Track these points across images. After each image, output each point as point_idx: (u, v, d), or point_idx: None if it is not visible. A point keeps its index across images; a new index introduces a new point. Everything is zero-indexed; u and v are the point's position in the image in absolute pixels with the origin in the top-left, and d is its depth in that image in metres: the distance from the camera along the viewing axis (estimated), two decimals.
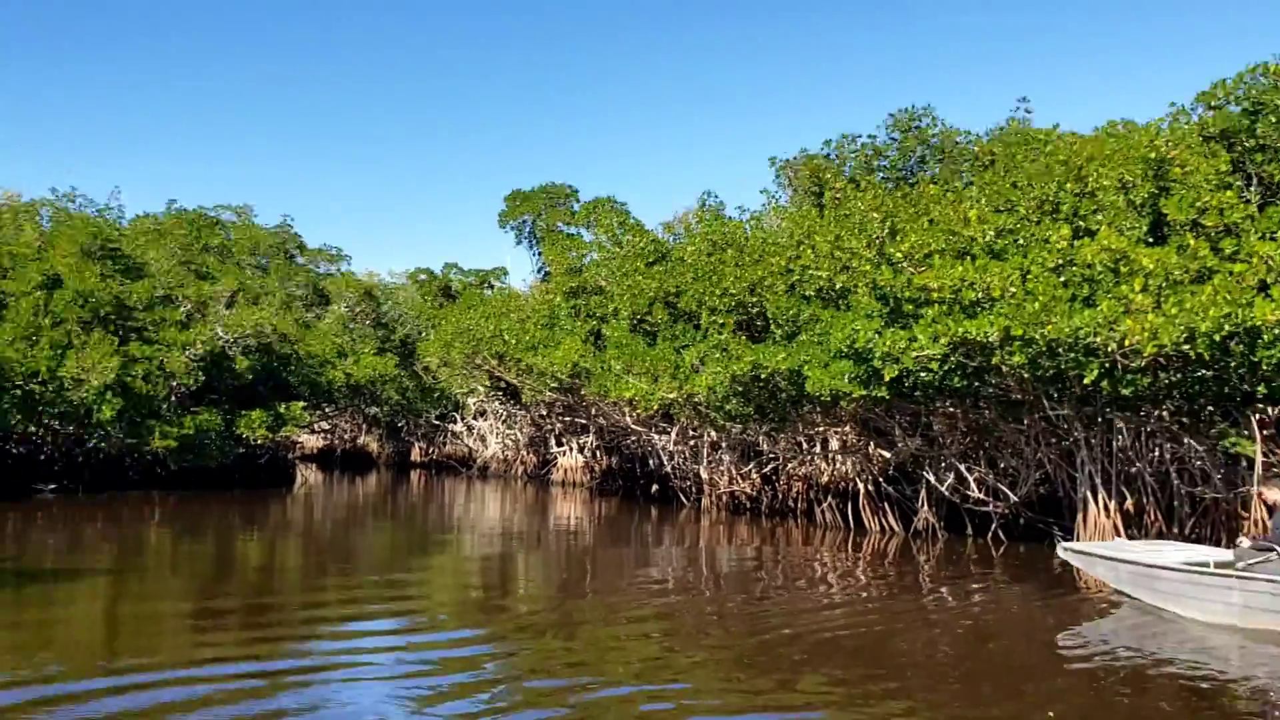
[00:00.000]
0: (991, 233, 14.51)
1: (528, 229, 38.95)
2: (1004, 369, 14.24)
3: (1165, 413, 14.98)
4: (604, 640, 9.83)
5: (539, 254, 39.91)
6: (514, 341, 24.62)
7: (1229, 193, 13.35)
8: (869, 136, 23.74)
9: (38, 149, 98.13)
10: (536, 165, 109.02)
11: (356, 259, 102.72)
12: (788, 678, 8.31)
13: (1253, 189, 14.12)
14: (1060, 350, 12.92)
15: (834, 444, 21.15)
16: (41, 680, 7.85)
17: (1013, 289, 13.11)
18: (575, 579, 14.15)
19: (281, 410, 26.76)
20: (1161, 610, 10.60)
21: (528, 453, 36.54)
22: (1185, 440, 14.92)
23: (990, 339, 13.25)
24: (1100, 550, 11.88)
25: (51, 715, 7.00)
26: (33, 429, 22.58)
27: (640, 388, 19.73)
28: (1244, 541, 10.67)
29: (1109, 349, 12.48)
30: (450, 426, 40.84)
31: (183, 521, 19.98)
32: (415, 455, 43.93)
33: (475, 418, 39.54)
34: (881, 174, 22.86)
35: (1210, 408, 14.32)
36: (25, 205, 31.21)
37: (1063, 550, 12.35)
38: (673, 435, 23.11)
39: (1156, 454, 15.37)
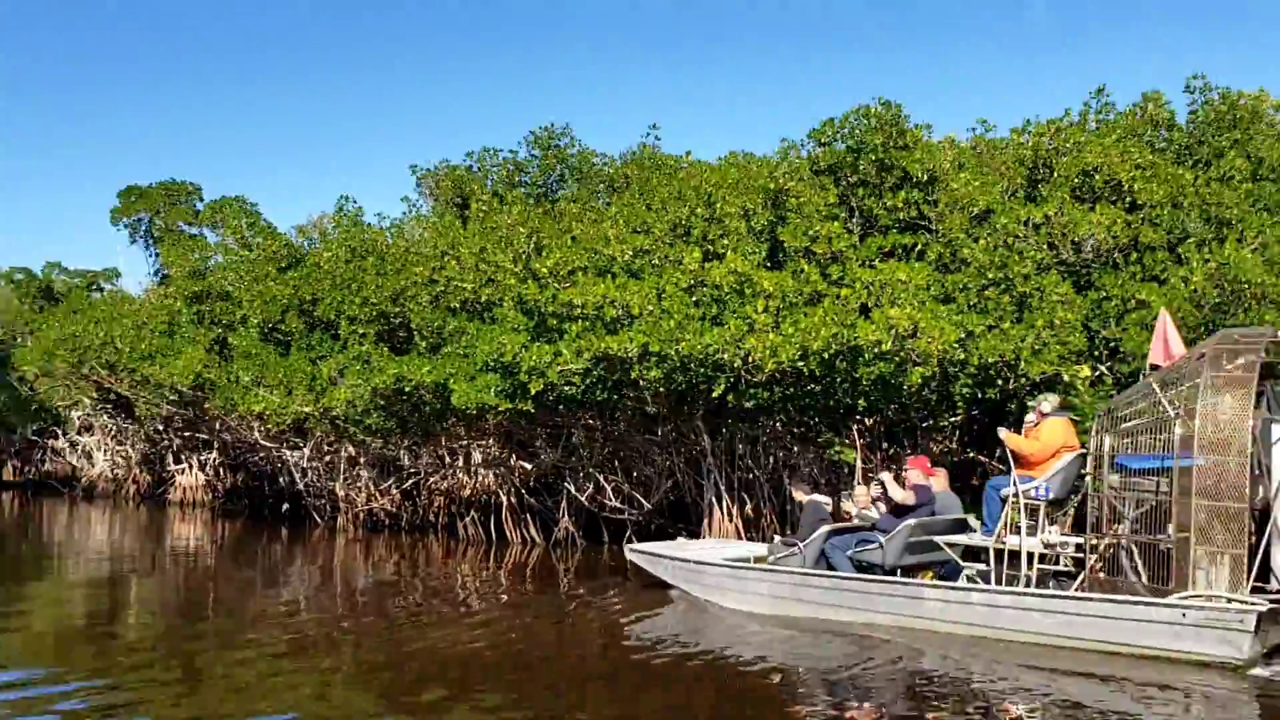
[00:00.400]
0: (630, 252, 15.12)
1: (144, 228, 36.09)
2: (641, 383, 14.88)
3: (779, 424, 16.26)
4: (219, 668, 9.40)
5: (156, 255, 37.07)
6: (128, 350, 22.65)
7: (836, 224, 14.71)
8: (510, 151, 24.11)
9: None
10: (155, 161, 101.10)
11: None
12: (411, 695, 8.34)
13: (855, 220, 15.63)
14: (692, 365, 13.68)
15: (477, 457, 21.18)
16: None
17: (650, 307, 13.72)
18: (194, 605, 13.37)
19: None
20: (708, 602, 12.02)
21: (141, 471, 33.68)
22: (795, 449, 16.26)
23: (630, 354, 13.79)
24: (659, 550, 13.20)
25: None
26: None
27: (272, 401, 18.82)
28: (777, 539, 12.22)
29: (735, 365, 13.37)
30: (51, 442, 36.93)
31: None
32: (8, 474, 39.41)
33: (80, 433, 35.97)
34: (524, 189, 23.22)
35: (818, 419, 15.69)
36: None
37: (629, 552, 13.63)
38: (306, 451, 22.19)
39: (771, 462, 16.61)
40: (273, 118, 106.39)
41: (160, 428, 29.57)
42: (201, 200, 35.71)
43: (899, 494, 11.12)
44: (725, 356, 13.28)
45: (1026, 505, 10.08)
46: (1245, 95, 16.40)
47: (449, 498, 21.42)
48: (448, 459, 21.33)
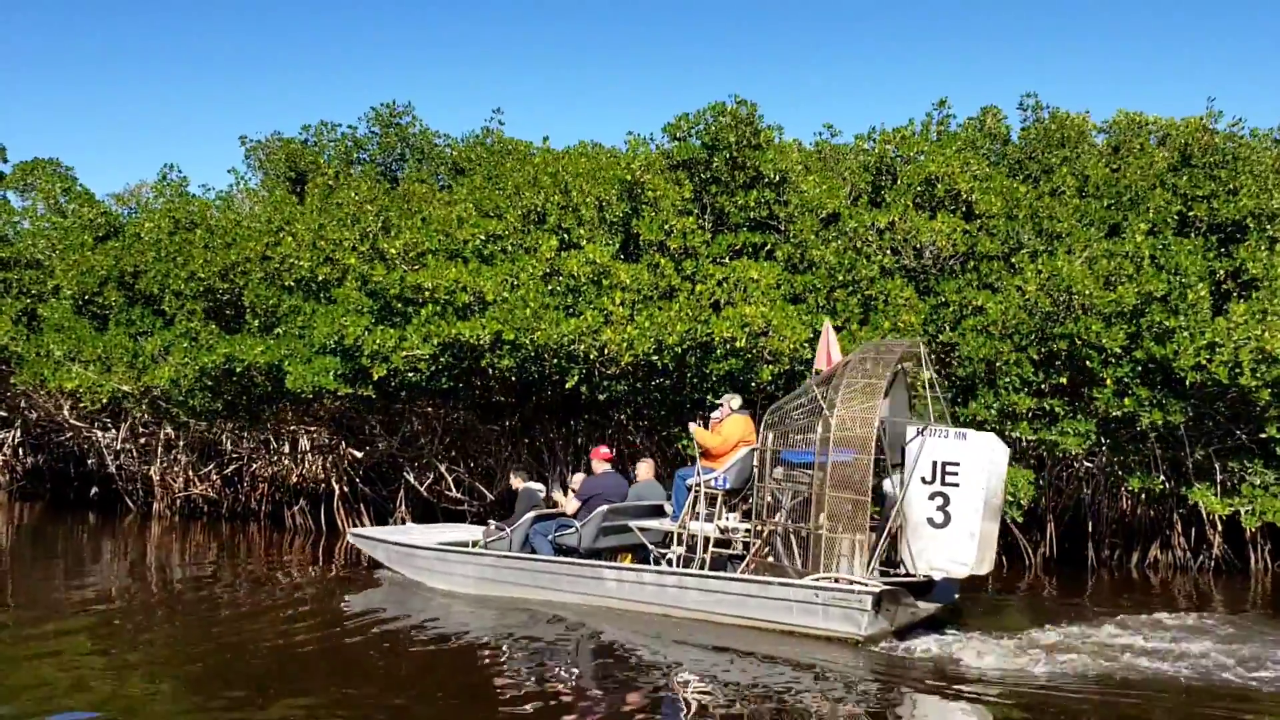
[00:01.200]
0: (482, 237, 14.81)
1: None
2: (491, 371, 14.60)
3: (625, 416, 16.27)
4: (16, 662, 8.84)
5: None
6: None
7: (690, 219, 14.78)
8: (350, 127, 23.36)
9: None
10: None
11: None
12: (213, 690, 8.04)
13: (707, 216, 15.74)
14: (546, 355, 13.50)
15: (304, 443, 20.42)
16: None
17: (505, 294, 13.47)
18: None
19: None
20: (420, 583, 12.68)
21: None
22: (640, 441, 16.29)
23: (482, 342, 13.51)
24: (377, 534, 13.79)
25: None
26: None
27: (88, 377, 17.62)
28: (491, 524, 12.86)
29: (590, 356, 13.26)
30: None
31: None
32: None
33: None
34: (360, 168, 22.52)
35: (664, 412, 15.76)
36: None
37: (351, 536, 14.14)
38: (120, 432, 20.92)
39: (615, 453, 16.59)
40: (89, 78, 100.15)
41: None
42: (6, 161, 33.20)
43: (570, 505, 12.13)
44: (581, 348, 13.16)
45: (706, 494, 11.08)
46: (1071, 117, 17.34)
47: (274, 485, 20.60)
48: (274, 444, 20.50)
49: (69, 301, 19.62)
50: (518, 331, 13.34)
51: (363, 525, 17.92)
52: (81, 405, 18.89)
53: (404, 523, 16.86)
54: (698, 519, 11.09)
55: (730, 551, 11.04)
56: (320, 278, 16.67)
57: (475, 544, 12.64)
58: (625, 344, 12.87)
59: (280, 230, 17.55)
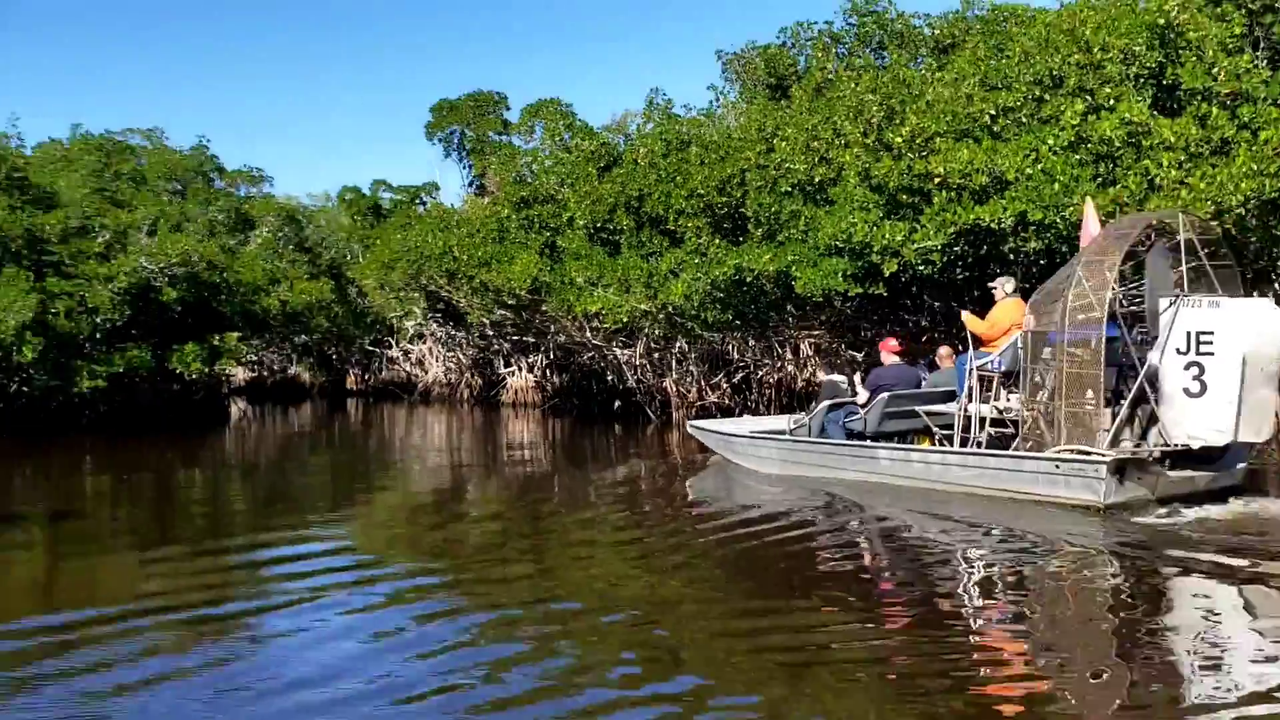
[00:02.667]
0: (991, 112, 13.63)
1: (457, 140, 37.26)
2: (1014, 258, 13.52)
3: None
4: (570, 562, 9.30)
5: (470, 166, 38.29)
6: (465, 258, 23.28)
7: (1244, 57, 12.61)
8: (825, 23, 22.75)
9: None
10: (462, 74, 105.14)
11: (279, 181, 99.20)
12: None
13: (1260, 52, 13.39)
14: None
15: (805, 348, 20.46)
16: None
17: (1028, 170, 12.29)
18: (538, 500, 13.41)
19: (215, 343, 25.22)
20: (739, 466, 14.15)
21: (472, 375, 35.28)
22: None
23: (1004, 225, 12.48)
24: (707, 425, 15.43)
25: None
26: None
27: (609, 300, 18.70)
28: (801, 414, 14.03)
29: None
30: (385, 352, 39.34)
31: (118, 464, 18.61)
32: (350, 383, 42.42)
33: (412, 342, 38.05)
34: (839, 62, 21.86)
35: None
36: None
37: (689, 427, 15.69)
38: (637, 349, 22.17)
39: None
40: (571, 21, 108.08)
41: (490, 333, 30.66)
42: (508, 109, 36.46)
43: (861, 395, 12.90)
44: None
45: (983, 377, 11.36)
46: None
47: (779, 390, 20.89)
48: (777, 351, 20.74)
49: (582, 231, 20.95)
50: (1045, 210, 12.13)
51: None
52: (603, 326, 20.16)
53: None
54: (974, 401, 11.41)
55: (1008, 431, 11.23)
56: (816, 179, 16.36)
57: (788, 431, 13.71)
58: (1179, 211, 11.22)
59: (774, 136, 17.44)
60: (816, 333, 19.02)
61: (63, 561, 10.17)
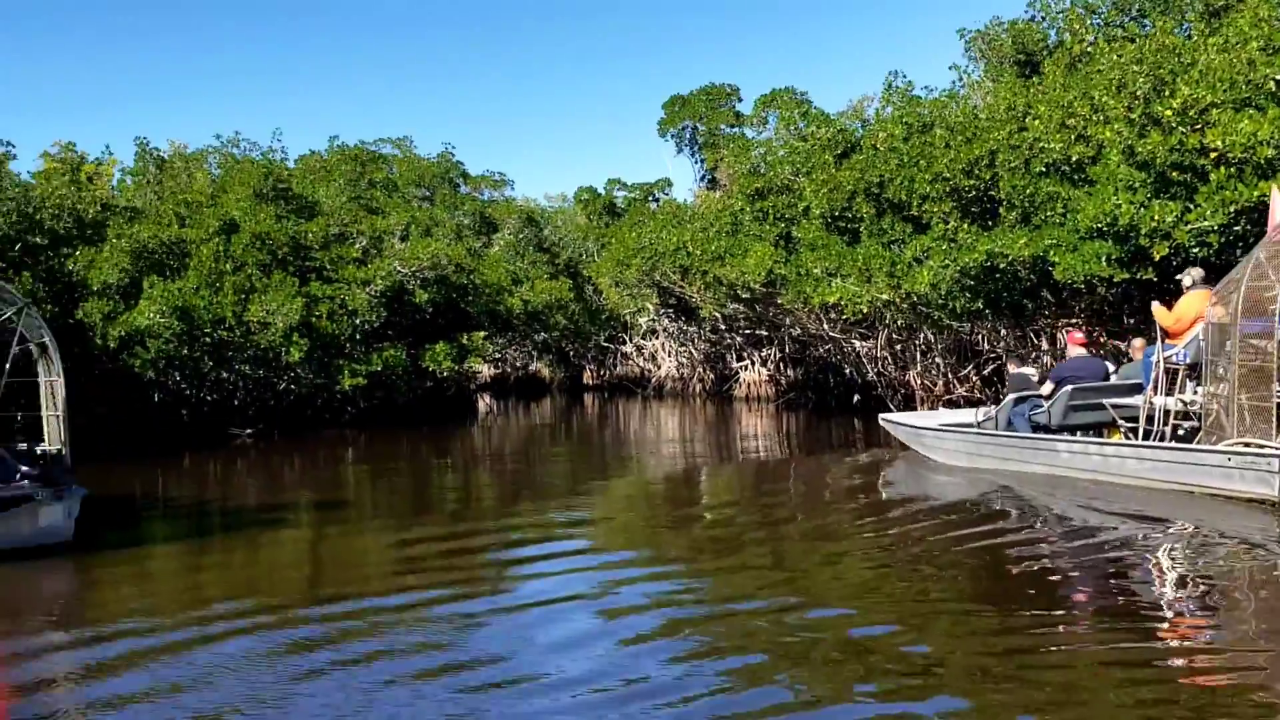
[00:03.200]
0: (1277, 78, 12.35)
1: (689, 135, 37.36)
2: None
3: None
4: (812, 561, 9.06)
5: (701, 161, 38.35)
6: (698, 253, 23.23)
7: None
8: None
9: (198, 98, 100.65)
10: (694, 68, 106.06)
11: (518, 184, 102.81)
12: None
13: None
14: None
15: (1062, 338, 19.27)
16: (252, 611, 7.74)
17: None
18: (773, 497, 13.17)
19: (464, 341, 26.21)
20: (928, 458, 14.56)
21: (704, 370, 35.37)
22: None
23: None
24: (898, 419, 16.10)
25: (263, 637, 7.07)
26: (224, 375, 22.50)
27: (848, 290, 18.17)
28: (990, 406, 14.42)
29: None
30: (620, 348, 39.98)
31: (377, 458, 19.58)
32: (587, 379, 43.39)
33: (645, 338, 38.50)
34: (1097, 33, 20.47)
35: None
36: (193, 154, 31.21)
37: (882, 420, 16.35)
38: (879, 340, 21.50)
39: None
40: (801, 8, 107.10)
41: (722, 327, 30.60)
42: (740, 101, 36.25)
43: (1045, 388, 12.98)
44: None
45: (1169, 369, 11.26)
46: None
47: None
48: (1032, 340, 19.65)
49: (819, 220, 20.46)
50: None
51: None
52: (842, 317, 19.64)
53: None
54: (1159, 394, 11.37)
55: (1193, 424, 11.10)
56: (1073, 158, 15.34)
57: (976, 424, 14.05)
58: None
59: (1026, 114, 16.50)
60: (1075, 321, 17.86)
61: (325, 549, 10.69)
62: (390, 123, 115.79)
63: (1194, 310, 11.38)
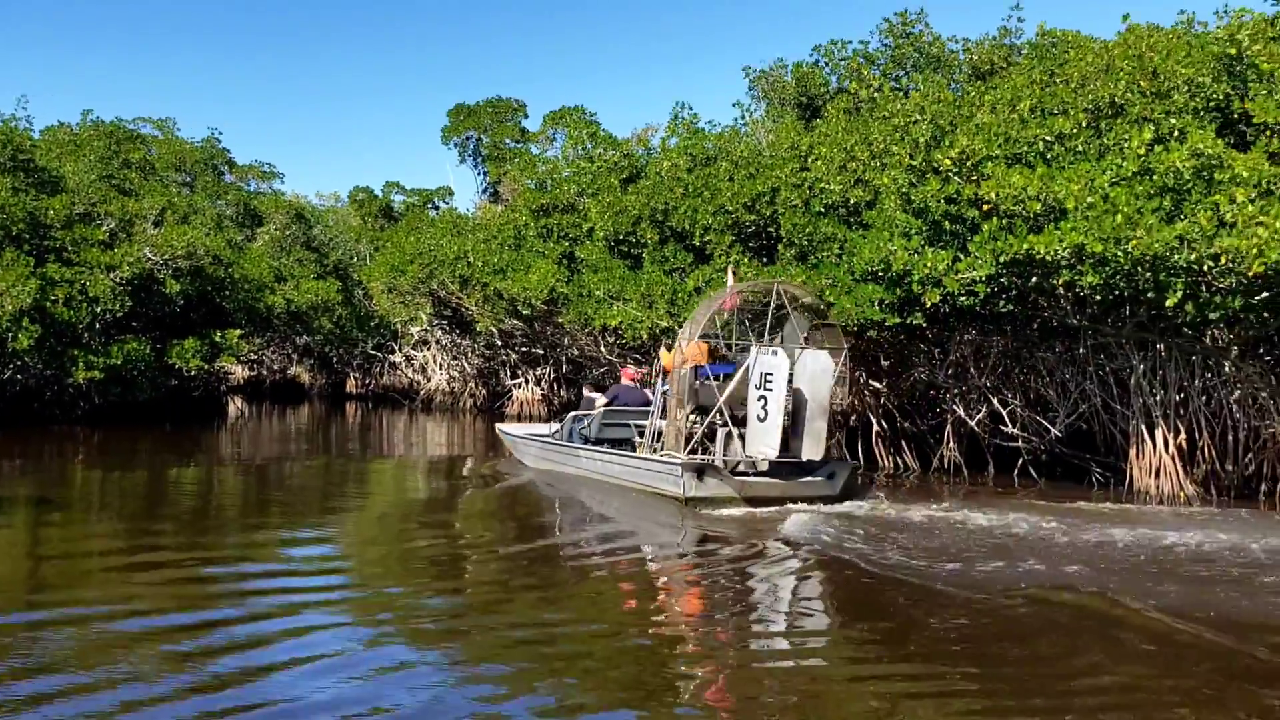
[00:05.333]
0: (1047, 138, 12.99)
1: (473, 146, 36.62)
2: (1060, 291, 12.86)
3: (1223, 339, 13.79)
4: (571, 581, 9.24)
5: (485, 173, 37.70)
6: (479, 264, 22.60)
7: None
8: (861, 42, 22.19)
9: None
10: (481, 80, 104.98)
11: (289, 178, 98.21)
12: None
13: None
14: (1140, 269, 11.53)
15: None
16: None
17: (1090, 200, 11.62)
18: (535, 519, 13.23)
19: (217, 338, 24.53)
20: (522, 461, 17.24)
21: (477, 385, 34.59)
22: (1238, 368, 13.73)
23: (1059, 257, 11.80)
24: (504, 428, 18.66)
25: None
26: None
27: (629, 314, 18.01)
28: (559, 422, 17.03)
29: (1203, 267, 11.11)
30: (388, 357, 38.63)
31: (111, 458, 17.92)
32: (350, 387, 41.70)
33: (416, 348, 37.32)
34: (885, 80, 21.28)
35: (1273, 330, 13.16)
36: None
37: (497, 428, 19.03)
38: (655, 367, 21.44)
39: (1202, 384, 14.17)
40: (596, 30, 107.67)
41: (498, 343, 29.98)
42: (526, 117, 35.81)
43: (600, 399, 16.15)
44: (1192, 257, 11.04)
45: (664, 400, 14.08)
46: None
47: None
48: None
49: (602, 243, 20.28)
50: (1105, 242, 11.46)
51: (905, 460, 16.95)
52: (622, 341, 19.46)
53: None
54: (657, 417, 14.19)
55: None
56: (852, 201, 15.74)
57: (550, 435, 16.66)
58: (1255, 251, 10.57)
59: (807, 155, 16.85)
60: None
61: (43, 556, 9.47)
62: (153, 102, 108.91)
63: (687, 355, 13.73)
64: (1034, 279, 12.69)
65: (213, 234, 26.43)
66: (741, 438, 12.96)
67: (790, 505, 12.57)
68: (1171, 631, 7.25)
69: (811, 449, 12.87)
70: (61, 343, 21.32)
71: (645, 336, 18.11)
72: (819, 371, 12.96)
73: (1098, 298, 12.45)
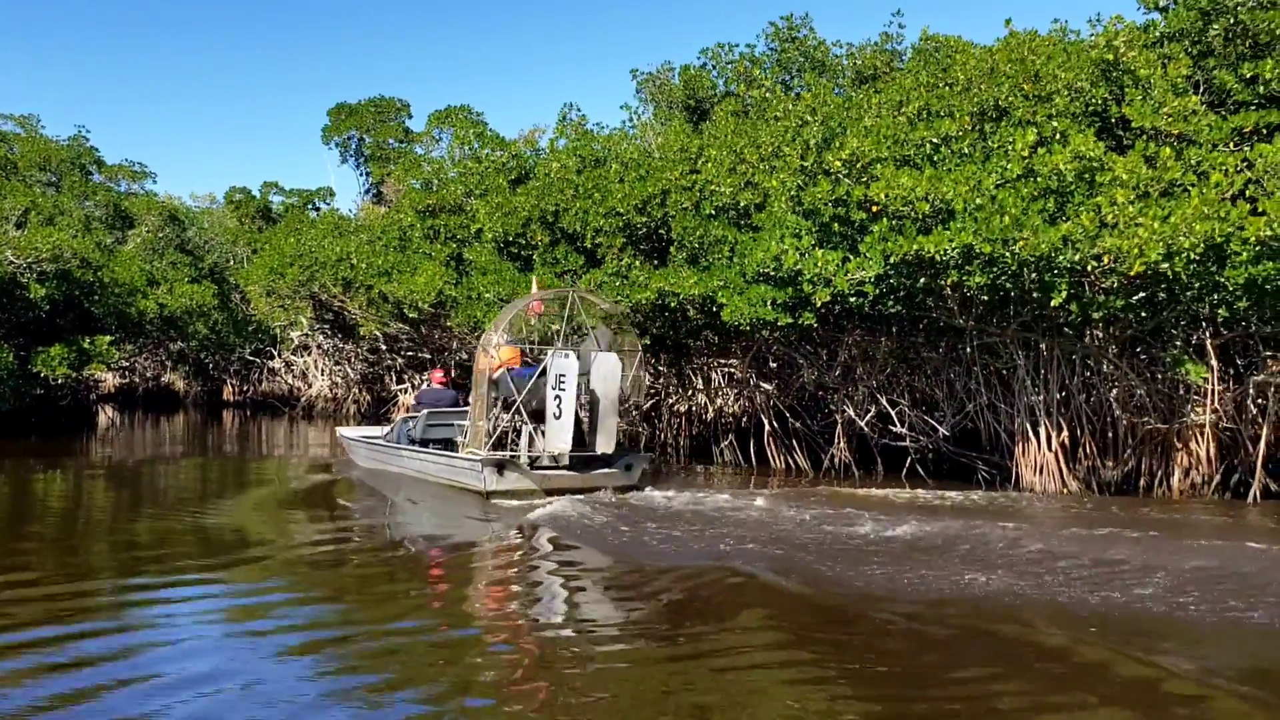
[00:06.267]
0: (935, 140, 13.15)
1: (354, 146, 35.78)
2: (947, 292, 13.04)
3: (1102, 337, 14.17)
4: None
5: (367, 174, 36.89)
6: (363, 266, 22.00)
7: (1192, 98, 12.39)
8: (748, 46, 22.32)
9: None
10: (363, 79, 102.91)
11: (162, 178, 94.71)
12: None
13: (1201, 95, 13.24)
14: (1026, 269, 11.74)
15: (717, 378, 19.82)
16: None
17: (978, 200, 11.79)
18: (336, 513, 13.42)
19: (85, 345, 23.39)
20: (354, 460, 18.21)
21: (360, 390, 33.77)
22: (1117, 365, 14.14)
23: (948, 258, 11.95)
24: (342, 431, 19.82)
25: None
26: None
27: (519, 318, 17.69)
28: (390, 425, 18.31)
29: (1086, 267, 11.37)
30: (267, 363, 37.49)
31: None
32: (227, 394, 40.41)
33: (296, 353, 36.27)
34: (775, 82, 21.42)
35: (1148, 330, 13.57)
36: None
37: (338, 432, 20.17)
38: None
39: (1081, 381, 14.55)
40: (482, 29, 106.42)
41: (382, 347, 29.31)
42: (410, 118, 35.14)
43: (408, 401, 16.47)
44: (1076, 257, 11.28)
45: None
46: None
47: (689, 419, 20.17)
48: (690, 379, 20.03)
49: (491, 244, 19.93)
50: (993, 243, 11.63)
51: (796, 461, 17.03)
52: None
53: None
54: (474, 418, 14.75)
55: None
56: (742, 203, 15.75)
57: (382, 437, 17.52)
58: (1136, 251, 10.85)
59: (697, 157, 16.81)
60: (732, 361, 18.36)
61: None
62: (14, 99, 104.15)
63: (502, 359, 14.53)
64: (922, 279, 12.83)
65: (81, 236, 25.22)
66: (543, 434, 13.91)
67: (574, 494, 13.52)
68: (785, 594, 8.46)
69: (604, 443, 14.08)
70: None
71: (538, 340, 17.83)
72: (609, 372, 14.07)
73: (984, 298, 12.66)
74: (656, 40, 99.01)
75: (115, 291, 24.96)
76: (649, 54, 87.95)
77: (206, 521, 12.25)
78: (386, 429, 17.96)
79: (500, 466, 13.58)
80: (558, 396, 13.58)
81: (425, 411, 16.22)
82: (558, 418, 13.60)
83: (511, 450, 14.05)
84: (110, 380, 39.66)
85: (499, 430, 14.08)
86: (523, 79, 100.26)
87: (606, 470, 14.20)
